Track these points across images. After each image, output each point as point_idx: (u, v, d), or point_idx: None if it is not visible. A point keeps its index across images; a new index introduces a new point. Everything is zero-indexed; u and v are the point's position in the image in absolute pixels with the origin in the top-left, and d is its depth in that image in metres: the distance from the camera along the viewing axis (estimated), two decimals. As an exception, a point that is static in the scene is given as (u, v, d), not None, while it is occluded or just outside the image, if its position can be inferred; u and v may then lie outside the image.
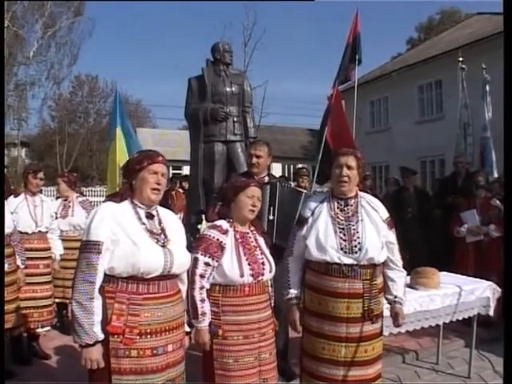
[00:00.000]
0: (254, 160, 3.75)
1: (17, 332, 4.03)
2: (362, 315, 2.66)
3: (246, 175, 3.84)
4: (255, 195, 2.72)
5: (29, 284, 4.14)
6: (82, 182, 24.11)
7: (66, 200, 5.15)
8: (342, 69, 7.36)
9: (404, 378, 4.10)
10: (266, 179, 3.81)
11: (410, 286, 3.91)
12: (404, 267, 2.87)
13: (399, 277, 2.84)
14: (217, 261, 2.58)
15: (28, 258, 4.08)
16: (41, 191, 4.66)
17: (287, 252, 2.92)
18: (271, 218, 3.64)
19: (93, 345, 2.10)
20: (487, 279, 4.30)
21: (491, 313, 4.14)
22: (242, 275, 2.56)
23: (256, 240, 2.76)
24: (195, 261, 2.55)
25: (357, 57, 7.27)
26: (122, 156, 7.22)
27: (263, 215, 3.62)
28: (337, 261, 2.66)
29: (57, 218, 4.88)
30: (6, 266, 3.72)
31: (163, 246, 2.27)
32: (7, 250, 3.78)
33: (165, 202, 9.20)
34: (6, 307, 3.70)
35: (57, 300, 4.88)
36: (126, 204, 2.32)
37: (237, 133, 5.15)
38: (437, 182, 8.63)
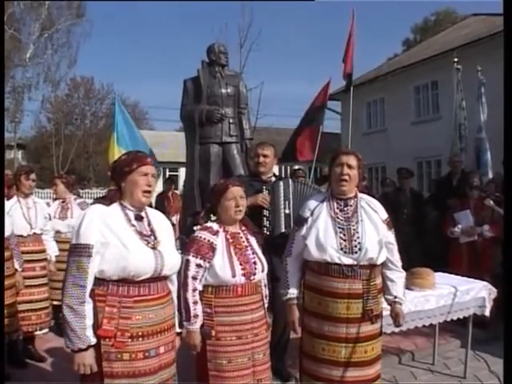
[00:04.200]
0: (262, 159, 3.83)
1: (15, 335, 4.01)
2: (361, 315, 2.66)
3: (253, 175, 3.96)
4: (236, 195, 2.70)
5: (26, 287, 4.11)
6: (79, 184, 24.02)
7: (63, 202, 5.13)
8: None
9: (400, 378, 4.10)
10: (273, 179, 3.88)
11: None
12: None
13: (398, 277, 2.83)
14: (208, 262, 2.57)
15: (25, 261, 4.06)
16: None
17: (286, 252, 2.91)
18: (287, 211, 3.69)
19: (85, 349, 2.09)
20: (481, 279, 4.30)
21: (487, 313, 4.13)
22: (233, 275, 2.56)
23: (247, 240, 2.76)
24: (187, 263, 2.55)
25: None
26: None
27: (278, 210, 3.68)
28: (337, 261, 2.66)
29: (50, 219, 4.83)
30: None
31: (153, 247, 2.25)
32: (5, 254, 3.75)
33: (161, 204, 9.20)
34: (4, 311, 3.67)
35: (55, 302, 4.86)
36: (115, 206, 2.29)
37: (232, 134, 5.17)
38: (433, 182, 8.63)
